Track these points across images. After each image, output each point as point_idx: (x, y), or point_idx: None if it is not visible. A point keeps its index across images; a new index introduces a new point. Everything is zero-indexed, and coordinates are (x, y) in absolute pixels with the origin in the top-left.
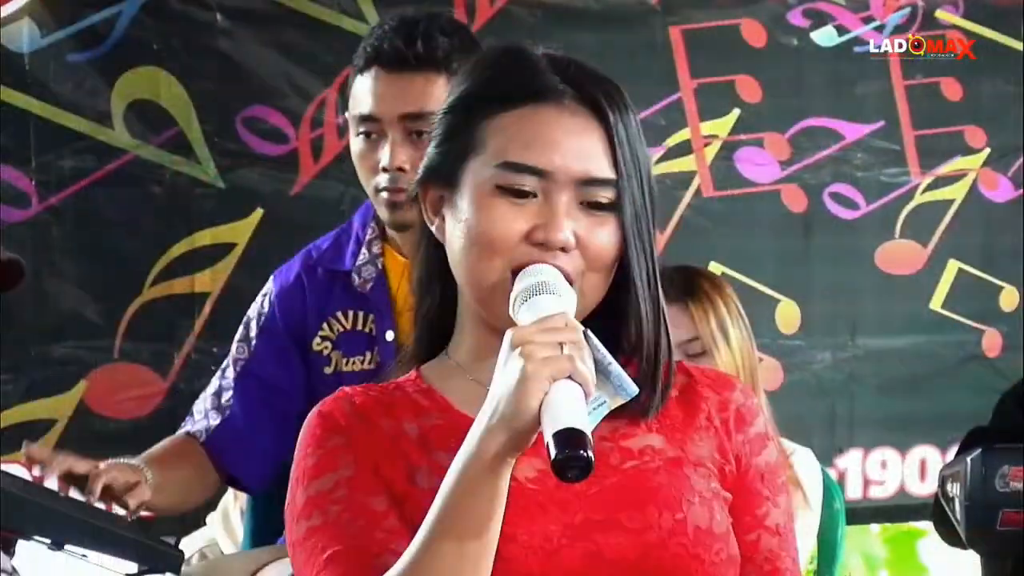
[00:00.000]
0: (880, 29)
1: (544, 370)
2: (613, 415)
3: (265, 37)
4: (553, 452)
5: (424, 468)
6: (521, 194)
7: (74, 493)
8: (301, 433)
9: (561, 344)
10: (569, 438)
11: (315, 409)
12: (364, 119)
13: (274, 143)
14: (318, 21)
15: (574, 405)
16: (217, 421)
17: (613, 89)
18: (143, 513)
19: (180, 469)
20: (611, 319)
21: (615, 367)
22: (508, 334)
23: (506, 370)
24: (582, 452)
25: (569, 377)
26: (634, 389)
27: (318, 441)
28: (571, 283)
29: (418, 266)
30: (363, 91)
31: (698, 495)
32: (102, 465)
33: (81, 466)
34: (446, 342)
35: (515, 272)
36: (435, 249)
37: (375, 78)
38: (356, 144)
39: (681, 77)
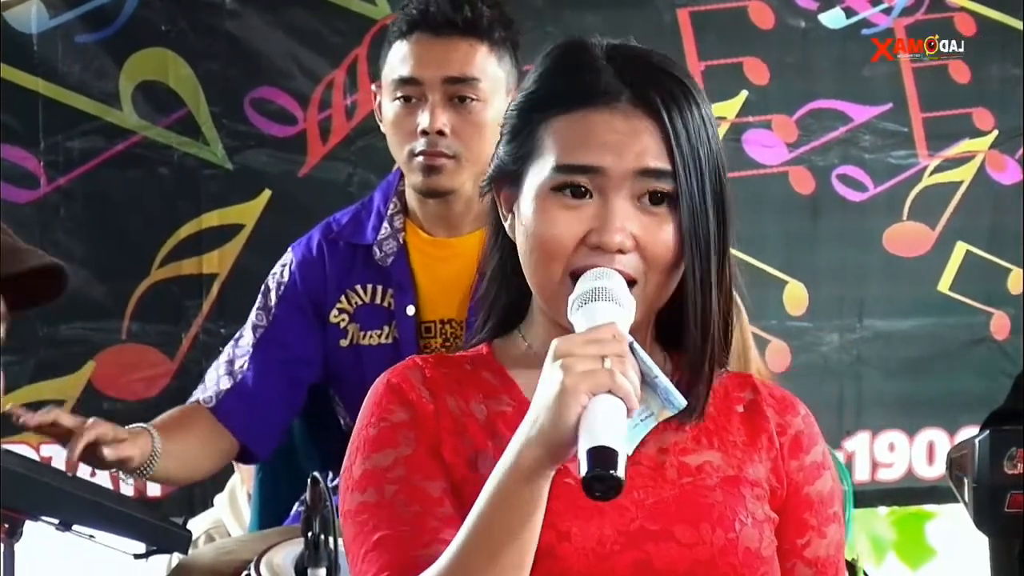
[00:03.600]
0: (888, 11)
1: (583, 384)
2: (669, 425)
3: (273, 18)
4: (584, 469)
5: (488, 454)
6: (577, 193)
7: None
8: (368, 399)
9: (603, 357)
10: (600, 456)
11: (384, 377)
12: (404, 82)
13: (282, 124)
14: (326, 2)
15: (611, 421)
16: (228, 386)
17: (674, 84)
18: (151, 493)
19: (186, 438)
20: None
21: (662, 379)
22: (552, 344)
23: (547, 382)
24: (611, 472)
25: (611, 392)
26: (682, 402)
27: (383, 412)
28: (633, 283)
29: (490, 261)
30: (402, 55)
31: (751, 516)
32: (88, 422)
33: (69, 420)
34: (518, 319)
35: (574, 276)
36: (508, 246)
37: (417, 42)
38: (392, 109)
39: (689, 59)
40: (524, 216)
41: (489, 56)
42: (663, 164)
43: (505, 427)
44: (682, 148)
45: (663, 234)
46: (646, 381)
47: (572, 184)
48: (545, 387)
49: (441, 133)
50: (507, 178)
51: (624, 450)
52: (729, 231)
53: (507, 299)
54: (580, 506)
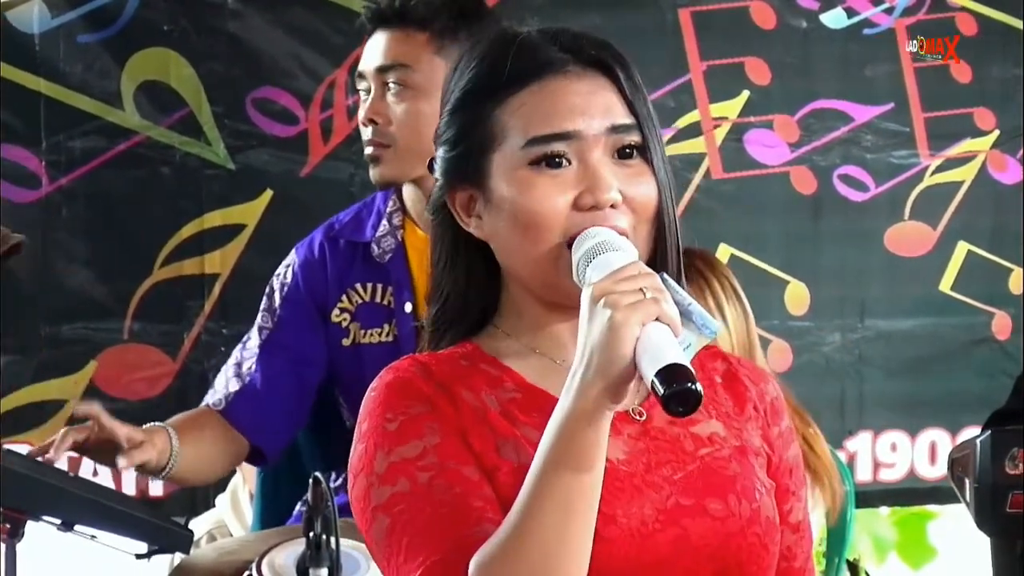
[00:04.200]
0: (889, 11)
1: (633, 316)
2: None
3: (275, 18)
4: (661, 389)
5: (510, 442)
6: (556, 162)
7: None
8: (371, 398)
9: (642, 289)
10: (674, 373)
11: (386, 376)
12: (358, 78)
13: (284, 124)
14: (328, 2)
15: (670, 342)
16: (236, 388)
17: (608, 46)
18: (153, 493)
19: (198, 440)
20: None
21: (695, 306)
22: (586, 291)
23: (593, 324)
24: (690, 385)
25: (657, 320)
26: (717, 326)
27: (398, 407)
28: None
29: (448, 278)
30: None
31: (763, 485)
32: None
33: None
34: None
35: (570, 244)
36: (473, 252)
37: (368, 38)
38: None
39: (690, 59)
40: (502, 201)
41: (427, 44)
42: (628, 119)
43: (520, 413)
44: (640, 99)
45: (644, 184)
46: (680, 311)
47: (549, 154)
48: (592, 329)
49: (372, 121)
50: (463, 182)
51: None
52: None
53: (479, 303)
54: (619, 488)
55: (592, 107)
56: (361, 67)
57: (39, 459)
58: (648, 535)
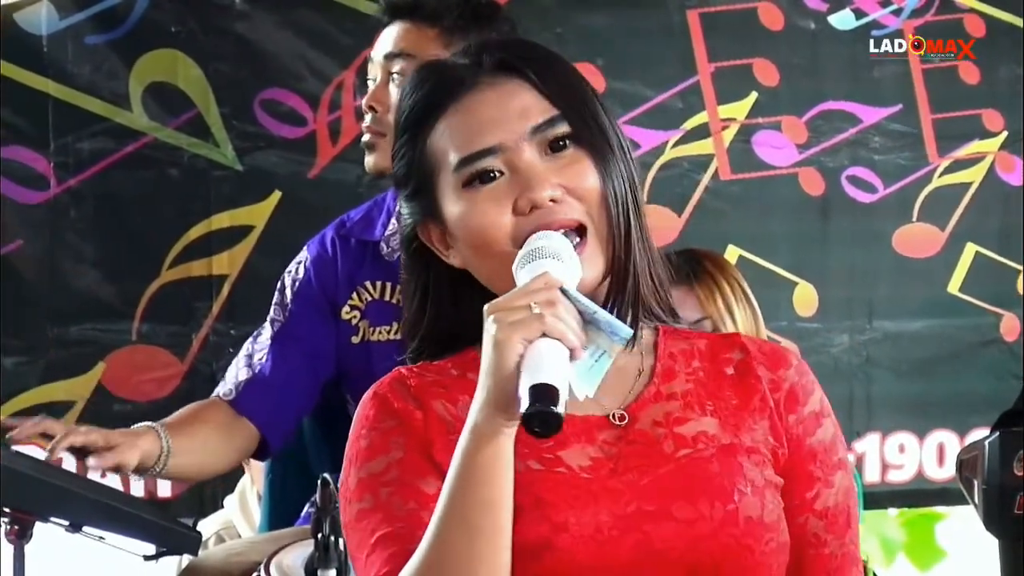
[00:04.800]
0: (897, 12)
1: (515, 333)
2: (660, 396)
3: (283, 19)
4: (523, 406)
5: None
6: (489, 177)
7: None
8: (356, 414)
9: (530, 305)
10: (538, 393)
11: (370, 390)
12: (369, 64)
13: (292, 126)
14: (336, 3)
15: (550, 361)
16: (247, 377)
17: (522, 44)
18: (161, 494)
19: (201, 433)
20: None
21: (602, 314)
22: (485, 308)
23: (485, 342)
24: (551, 407)
25: (546, 335)
26: (627, 332)
27: (371, 423)
28: (584, 229)
29: (433, 307)
30: None
31: (750, 484)
32: (81, 429)
33: (56, 427)
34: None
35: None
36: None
37: (382, 30)
38: None
39: (699, 60)
40: (455, 227)
41: (436, 39)
42: (548, 113)
43: None
44: (559, 87)
45: (584, 171)
46: (587, 320)
47: (478, 172)
48: (485, 346)
49: (372, 109)
50: (427, 218)
51: (565, 388)
52: (635, 168)
53: (453, 328)
54: (574, 496)
55: (507, 114)
56: (372, 53)
57: (47, 460)
58: (605, 542)
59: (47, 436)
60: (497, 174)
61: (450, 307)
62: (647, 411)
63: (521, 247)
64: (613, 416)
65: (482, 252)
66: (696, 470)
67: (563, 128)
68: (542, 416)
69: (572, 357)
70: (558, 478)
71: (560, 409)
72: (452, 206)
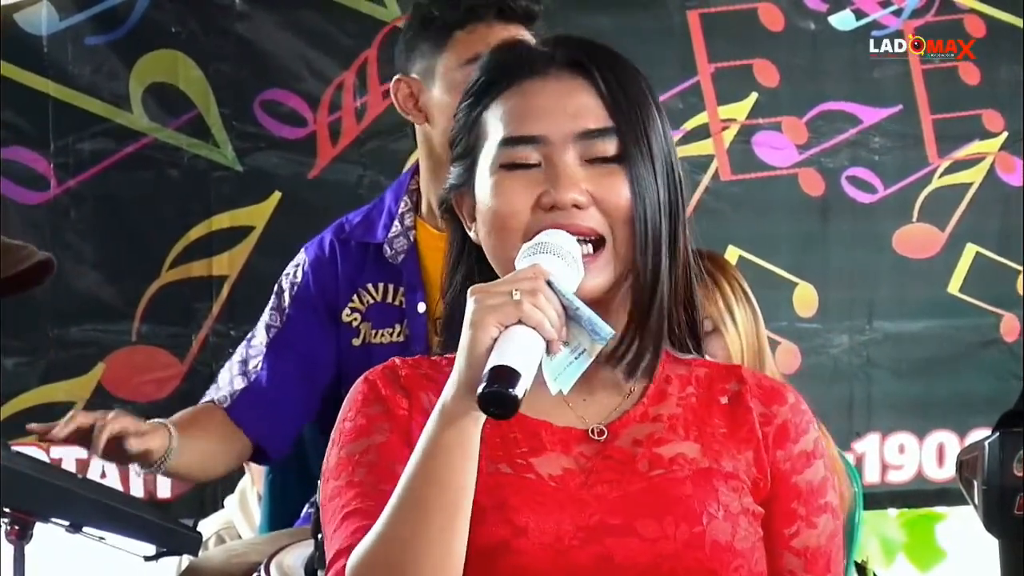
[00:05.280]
0: (898, 13)
1: (490, 316)
2: (646, 416)
3: (283, 20)
4: (481, 386)
5: None
6: (524, 165)
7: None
8: (347, 397)
9: (512, 292)
10: (498, 374)
11: (362, 377)
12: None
13: (292, 126)
14: (336, 4)
15: (519, 346)
16: (242, 386)
17: (604, 49)
18: (161, 495)
19: (201, 436)
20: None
21: (584, 310)
22: (469, 290)
23: (464, 324)
24: (508, 389)
25: (520, 323)
26: (608, 331)
27: (359, 407)
28: (602, 241)
29: (454, 276)
30: None
31: (723, 509)
32: (110, 415)
33: (87, 418)
34: None
35: None
36: (472, 255)
37: (479, 27)
38: None
39: (699, 61)
40: (481, 204)
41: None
42: (602, 122)
43: None
44: (619, 103)
45: (617, 186)
46: (570, 316)
47: (518, 159)
48: (463, 329)
49: None
50: (463, 187)
51: (530, 375)
52: (682, 198)
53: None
54: (539, 502)
55: (561, 110)
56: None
57: (47, 460)
58: (564, 551)
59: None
60: (533, 164)
61: (473, 276)
62: (629, 429)
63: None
64: (592, 431)
65: (494, 235)
66: (667, 490)
67: (611, 145)
68: (497, 396)
69: (549, 350)
70: (525, 483)
71: (518, 392)
72: (484, 182)
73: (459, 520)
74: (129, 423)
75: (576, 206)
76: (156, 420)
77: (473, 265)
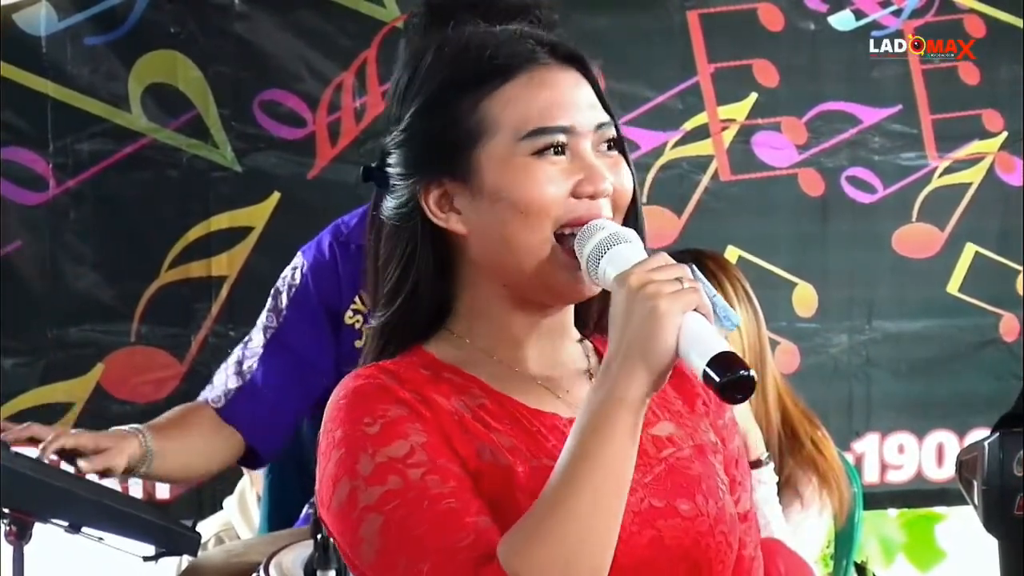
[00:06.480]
0: (897, 13)
1: (675, 305)
2: None
3: (282, 21)
4: (717, 378)
5: (488, 446)
6: (559, 151)
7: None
8: (340, 406)
9: (679, 279)
10: (727, 361)
11: (352, 383)
12: None
13: (291, 127)
14: (335, 4)
15: (712, 331)
16: (236, 386)
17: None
18: (160, 495)
19: (188, 437)
20: None
21: (719, 299)
22: (619, 281)
23: (633, 314)
24: (745, 372)
25: (695, 310)
26: (738, 319)
27: (375, 411)
28: None
29: (408, 271)
30: None
31: (723, 482)
32: (71, 431)
33: (43, 430)
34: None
35: (557, 235)
36: (439, 249)
37: None
38: None
39: (698, 61)
40: (496, 192)
41: None
42: (604, 116)
43: (491, 419)
44: (603, 96)
45: (625, 175)
46: None
47: (552, 144)
48: (633, 318)
49: None
50: (441, 176)
51: None
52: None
53: (431, 306)
54: None
55: (582, 101)
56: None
57: (46, 461)
58: (626, 539)
59: (35, 440)
60: (560, 154)
61: (435, 276)
62: None
63: (557, 232)
64: None
65: (526, 221)
66: (683, 469)
67: (612, 131)
68: (742, 381)
69: None
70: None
71: (753, 373)
72: (502, 171)
73: (624, 498)
74: (87, 440)
75: (606, 196)
76: (132, 427)
77: (425, 263)
